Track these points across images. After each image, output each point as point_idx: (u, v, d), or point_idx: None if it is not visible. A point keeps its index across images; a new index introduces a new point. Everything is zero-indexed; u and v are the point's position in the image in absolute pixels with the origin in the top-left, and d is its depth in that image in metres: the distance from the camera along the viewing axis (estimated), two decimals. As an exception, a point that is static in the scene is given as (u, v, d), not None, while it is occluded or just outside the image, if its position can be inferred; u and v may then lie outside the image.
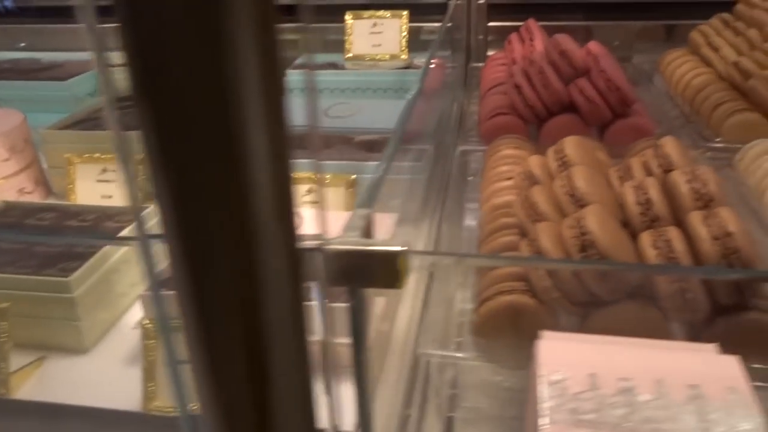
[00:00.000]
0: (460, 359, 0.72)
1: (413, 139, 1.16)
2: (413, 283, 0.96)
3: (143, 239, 0.30)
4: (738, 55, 1.22)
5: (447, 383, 0.78)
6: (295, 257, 0.30)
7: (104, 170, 1.10)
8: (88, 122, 1.24)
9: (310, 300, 0.39)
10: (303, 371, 0.36)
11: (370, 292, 0.75)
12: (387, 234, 0.88)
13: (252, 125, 0.25)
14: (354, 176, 1.07)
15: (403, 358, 0.81)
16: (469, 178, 1.06)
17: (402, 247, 0.41)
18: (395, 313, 0.92)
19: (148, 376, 0.71)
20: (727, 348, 0.64)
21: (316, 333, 0.45)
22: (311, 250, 0.39)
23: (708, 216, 0.63)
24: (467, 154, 1.12)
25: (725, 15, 1.39)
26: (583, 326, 0.66)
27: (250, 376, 0.32)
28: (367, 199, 0.49)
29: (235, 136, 0.25)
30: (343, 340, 0.48)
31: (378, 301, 0.86)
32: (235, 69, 0.23)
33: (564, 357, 0.39)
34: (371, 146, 1.23)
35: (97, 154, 1.10)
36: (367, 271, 0.43)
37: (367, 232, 0.45)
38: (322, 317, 0.43)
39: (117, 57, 0.24)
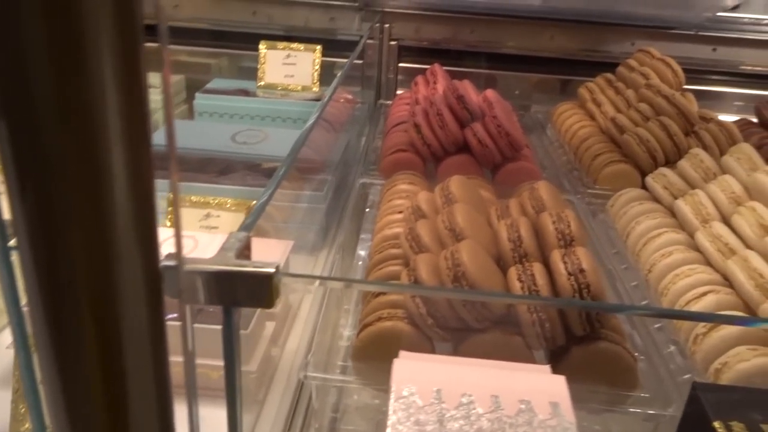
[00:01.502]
0: (342, 382, 0.75)
1: (316, 169, 1.20)
2: (305, 309, 0.99)
3: (2, 251, 0.31)
4: (616, 112, 1.35)
5: (329, 407, 0.80)
6: (154, 278, 0.32)
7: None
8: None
9: (182, 320, 0.41)
10: (162, 394, 0.37)
11: (247, 312, 0.77)
12: (280, 259, 0.90)
13: (111, 146, 0.27)
14: (254, 202, 1.09)
15: (289, 381, 0.83)
16: (367, 210, 1.10)
17: (272, 268, 0.44)
18: (286, 337, 0.94)
19: (18, 398, 0.69)
20: (582, 374, 0.71)
21: (185, 354, 0.47)
22: (172, 268, 0.40)
23: (566, 254, 0.70)
24: (367, 187, 1.17)
25: (609, 75, 1.54)
26: (456, 351, 0.71)
27: (105, 399, 0.32)
28: (247, 223, 0.51)
29: (93, 155, 0.27)
30: (218, 362, 0.50)
31: (268, 325, 0.88)
32: (95, 92, 0.25)
33: (415, 374, 0.43)
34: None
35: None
36: (239, 291, 0.45)
37: (243, 254, 0.47)
38: (187, 338, 0.44)
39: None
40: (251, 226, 0.50)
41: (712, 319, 0.79)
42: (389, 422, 0.38)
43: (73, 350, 0.30)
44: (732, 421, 0.43)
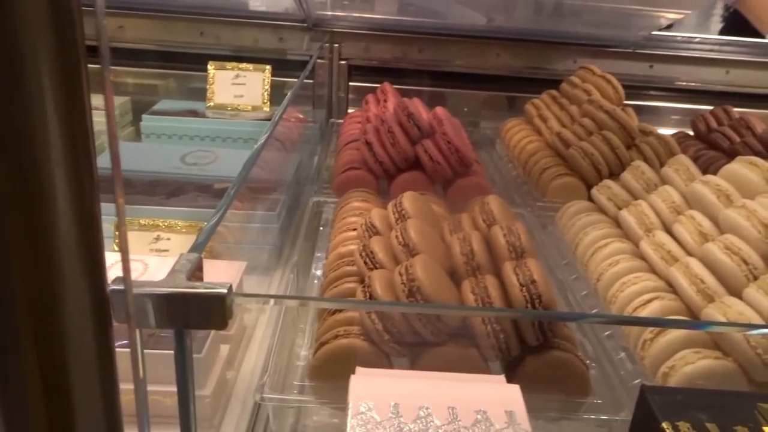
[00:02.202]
0: (300, 403, 0.74)
1: (268, 188, 1.19)
2: (261, 330, 0.98)
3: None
4: (561, 127, 1.40)
5: (288, 428, 0.79)
6: (101, 303, 0.31)
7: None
8: None
9: (132, 346, 0.40)
10: (112, 424, 0.36)
11: (201, 335, 0.75)
12: (233, 280, 0.89)
13: (52, 170, 0.27)
14: (206, 224, 1.07)
15: (245, 404, 0.81)
16: (321, 228, 1.10)
17: (224, 289, 0.43)
18: (242, 359, 0.92)
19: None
20: (537, 383, 0.72)
21: (136, 381, 0.45)
22: (119, 292, 0.39)
23: (518, 265, 0.71)
24: (321, 205, 1.16)
25: (553, 91, 1.59)
26: (413, 366, 0.71)
27: (50, 427, 0.31)
28: (198, 244, 0.50)
29: (32, 181, 0.26)
30: (171, 388, 0.48)
31: (223, 348, 0.86)
32: (34, 115, 0.25)
33: (372, 390, 0.43)
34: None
35: None
36: (191, 314, 0.44)
37: (195, 276, 0.47)
38: (137, 364, 0.43)
39: None
40: (202, 246, 0.50)
41: (660, 324, 0.82)
42: (347, 439, 0.38)
43: (16, 382, 0.28)
44: (679, 421, 0.44)
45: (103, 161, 1.24)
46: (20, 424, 0.31)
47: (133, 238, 1.05)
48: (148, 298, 0.43)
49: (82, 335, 0.30)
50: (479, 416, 0.41)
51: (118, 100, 1.58)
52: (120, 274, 0.91)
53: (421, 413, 0.41)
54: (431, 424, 0.40)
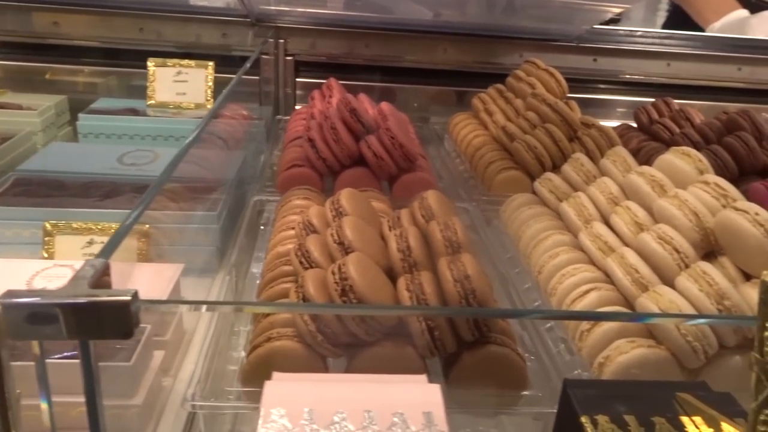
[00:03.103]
0: (234, 409, 0.72)
1: (207, 188, 1.16)
2: (199, 334, 0.95)
3: None
4: (506, 121, 1.40)
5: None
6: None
7: None
8: None
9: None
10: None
11: (130, 343, 0.73)
12: (167, 284, 0.86)
13: None
14: (147, 226, 1.04)
15: (180, 412, 0.79)
16: (262, 228, 1.07)
17: (128, 296, 0.41)
18: (179, 365, 0.89)
19: None
20: (475, 379, 0.72)
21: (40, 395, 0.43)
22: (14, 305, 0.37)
23: (452, 261, 0.71)
24: (263, 204, 1.14)
25: (500, 85, 1.59)
26: (349, 367, 0.69)
27: None
28: (105, 248, 0.48)
29: None
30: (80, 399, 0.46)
31: (156, 354, 0.83)
32: None
33: (286, 396, 0.42)
34: (170, 195, 1.20)
35: None
36: (95, 323, 0.42)
37: (99, 282, 0.44)
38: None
39: None
40: (110, 251, 0.47)
41: (598, 318, 0.83)
42: (255, 448, 0.37)
43: None
44: (598, 414, 0.44)
45: (33, 164, 1.18)
46: None
47: (65, 242, 1.01)
48: (46, 307, 0.41)
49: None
50: (396, 419, 0.40)
51: (55, 99, 1.52)
52: (46, 282, 0.87)
53: (336, 418, 0.39)
54: (345, 429, 0.39)
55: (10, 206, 1.05)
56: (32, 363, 0.43)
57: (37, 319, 0.41)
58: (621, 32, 1.82)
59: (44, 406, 0.44)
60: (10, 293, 0.41)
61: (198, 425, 0.77)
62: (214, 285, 1.05)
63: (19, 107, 1.45)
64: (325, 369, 0.70)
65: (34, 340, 0.41)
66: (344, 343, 0.69)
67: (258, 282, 0.93)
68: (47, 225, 0.99)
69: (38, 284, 0.84)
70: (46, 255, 0.99)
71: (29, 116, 1.41)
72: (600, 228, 0.92)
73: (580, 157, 1.10)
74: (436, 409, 0.41)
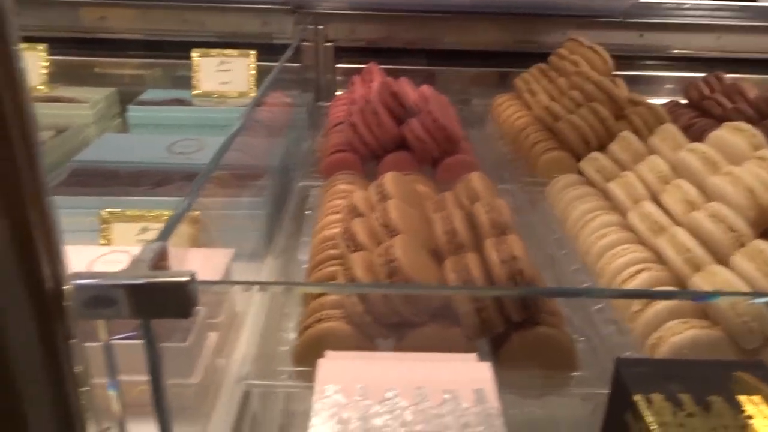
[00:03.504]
0: (286, 388, 0.74)
1: (253, 175, 1.18)
2: (250, 316, 0.97)
3: None
4: (550, 100, 1.38)
5: (278, 414, 0.79)
6: (41, 300, 0.30)
7: None
8: None
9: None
10: (65, 416, 0.35)
11: (186, 324, 0.75)
12: (219, 268, 0.88)
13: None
14: (198, 213, 1.06)
15: (235, 391, 0.81)
16: (307, 213, 1.09)
17: (187, 277, 0.43)
18: (233, 346, 0.92)
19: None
20: (523, 359, 0.72)
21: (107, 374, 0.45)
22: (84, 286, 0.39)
23: (499, 242, 0.71)
24: (308, 190, 1.16)
25: (542, 65, 1.57)
26: (396, 347, 0.70)
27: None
28: (162, 232, 0.50)
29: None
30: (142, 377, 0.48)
31: (211, 335, 0.86)
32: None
33: (339, 373, 0.43)
34: (218, 182, 1.23)
35: None
36: (155, 303, 0.44)
37: (158, 265, 0.46)
38: (106, 356, 0.43)
39: None
40: (167, 235, 0.49)
41: (651, 296, 0.81)
42: (311, 423, 0.38)
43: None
44: (652, 393, 0.44)
45: (88, 154, 1.22)
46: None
47: (120, 229, 1.05)
48: (109, 289, 0.43)
49: (24, 335, 0.29)
50: (447, 396, 0.41)
51: (105, 92, 1.57)
52: (106, 267, 0.91)
53: (388, 395, 0.40)
54: (398, 405, 0.39)
55: (68, 195, 1.09)
56: (95, 344, 0.46)
57: (101, 300, 0.43)
58: (668, 5, 1.76)
59: (110, 385, 0.47)
60: (76, 275, 0.43)
61: (252, 404, 0.80)
62: (262, 270, 1.08)
63: (72, 100, 1.50)
64: (374, 349, 0.71)
65: (99, 319, 0.43)
66: (392, 324, 0.70)
67: (305, 267, 0.95)
68: (104, 213, 1.03)
69: (99, 269, 0.88)
70: (104, 242, 1.03)
71: (82, 109, 1.46)
72: (650, 207, 0.90)
73: (628, 135, 1.07)
74: (488, 386, 0.42)
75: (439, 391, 0.41)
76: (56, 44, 1.66)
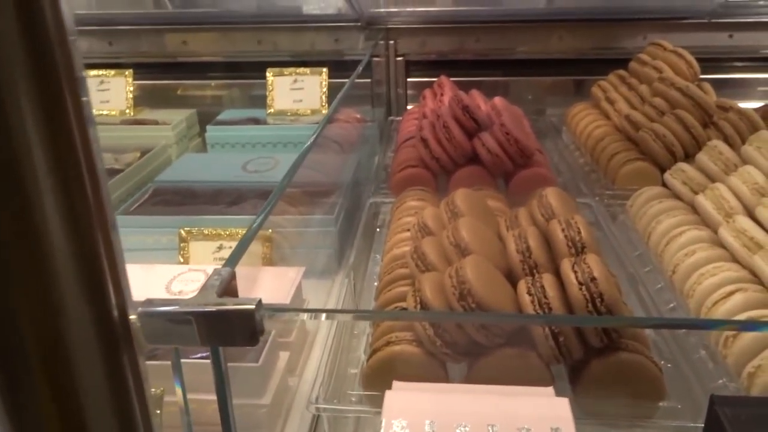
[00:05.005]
0: (355, 412, 0.72)
1: (325, 191, 1.19)
2: (321, 335, 0.97)
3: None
4: (630, 109, 1.31)
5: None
6: (108, 330, 0.31)
7: None
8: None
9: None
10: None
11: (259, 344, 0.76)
12: (289, 287, 0.89)
13: (43, 203, 0.26)
14: (270, 231, 1.08)
15: (306, 412, 0.81)
16: (378, 230, 1.08)
17: (252, 305, 0.43)
18: (304, 366, 0.92)
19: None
20: (604, 388, 0.68)
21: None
22: (149, 314, 0.39)
23: (577, 262, 0.67)
24: (378, 206, 1.15)
25: (621, 71, 1.50)
26: (469, 374, 0.68)
27: None
28: (231, 257, 0.50)
29: (29, 211, 0.26)
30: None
31: (282, 355, 0.86)
32: (17, 144, 0.24)
33: (408, 406, 0.41)
34: (290, 200, 1.25)
35: None
36: (222, 330, 0.44)
37: (226, 291, 0.46)
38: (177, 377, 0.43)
39: None
40: (235, 260, 0.49)
41: (746, 327, 0.75)
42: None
43: (30, 414, 0.28)
44: (753, 436, 0.39)
45: (169, 174, 1.26)
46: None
47: (197, 248, 1.08)
48: (180, 315, 0.43)
49: (91, 362, 0.30)
50: (522, 434, 0.38)
51: (185, 113, 1.64)
52: (182, 286, 0.92)
53: (458, 431, 0.38)
54: (469, 443, 0.37)
55: (150, 215, 1.14)
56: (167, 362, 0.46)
57: (172, 325, 0.44)
58: (760, 3, 1.64)
59: (181, 402, 0.47)
60: (149, 302, 0.43)
61: (322, 426, 0.79)
62: (333, 287, 1.08)
63: (155, 122, 1.57)
64: (445, 374, 0.69)
65: (169, 345, 0.43)
66: (464, 349, 0.67)
67: (376, 284, 0.94)
68: (182, 231, 1.06)
69: (176, 288, 0.90)
70: (182, 260, 1.06)
71: (164, 130, 1.53)
72: (744, 222, 0.84)
73: (718, 144, 1.00)
74: (565, 424, 0.39)
75: (513, 428, 0.39)
76: (142, 69, 1.75)
